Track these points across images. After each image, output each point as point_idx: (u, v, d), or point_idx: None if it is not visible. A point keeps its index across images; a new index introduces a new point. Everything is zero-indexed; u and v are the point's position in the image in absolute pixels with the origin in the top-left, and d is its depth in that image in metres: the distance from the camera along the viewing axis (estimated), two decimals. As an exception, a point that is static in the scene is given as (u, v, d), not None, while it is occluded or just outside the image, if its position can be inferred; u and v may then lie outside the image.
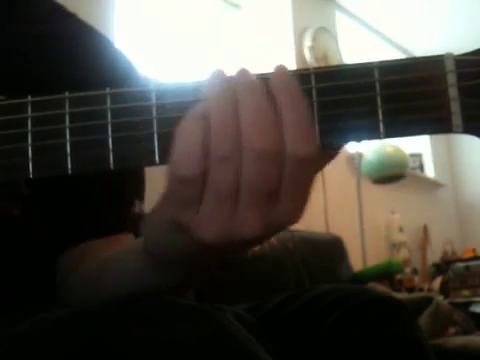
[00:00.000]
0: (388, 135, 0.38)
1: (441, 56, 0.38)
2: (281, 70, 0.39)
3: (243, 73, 0.40)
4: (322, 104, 0.39)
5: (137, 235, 0.66)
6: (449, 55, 0.38)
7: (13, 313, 0.46)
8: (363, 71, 0.39)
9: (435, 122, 0.38)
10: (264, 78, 0.39)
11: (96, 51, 0.68)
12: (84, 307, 0.43)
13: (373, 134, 0.39)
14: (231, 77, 0.39)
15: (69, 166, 0.40)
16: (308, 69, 0.40)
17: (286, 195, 0.38)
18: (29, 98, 0.41)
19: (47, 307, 0.46)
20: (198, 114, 0.38)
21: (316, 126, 0.39)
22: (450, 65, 0.38)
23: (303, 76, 0.39)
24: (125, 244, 0.59)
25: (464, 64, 0.38)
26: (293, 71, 0.40)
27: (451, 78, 0.38)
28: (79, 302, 0.57)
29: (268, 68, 0.41)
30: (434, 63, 0.38)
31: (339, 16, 3.50)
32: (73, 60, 0.65)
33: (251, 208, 0.38)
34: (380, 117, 0.38)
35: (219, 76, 0.39)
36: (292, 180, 0.38)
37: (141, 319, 0.39)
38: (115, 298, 0.49)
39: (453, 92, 0.38)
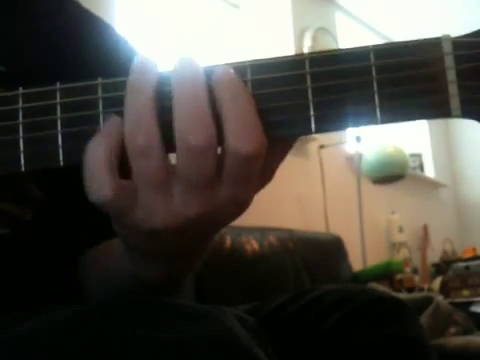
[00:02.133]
0: (385, 121, 0.37)
1: (438, 38, 0.37)
2: (223, 66, 0.39)
3: (185, 62, 0.39)
4: (316, 90, 0.38)
5: None
6: (446, 37, 0.37)
7: (15, 314, 0.46)
8: (358, 55, 0.38)
9: (433, 106, 0.37)
10: (208, 71, 0.38)
11: (105, 44, 0.68)
12: (85, 307, 0.43)
13: (369, 120, 0.37)
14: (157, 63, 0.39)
15: (61, 158, 0.40)
16: (303, 54, 0.38)
17: (227, 186, 0.38)
18: (20, 90, 0.41)
19: (49, 307, 0.46)
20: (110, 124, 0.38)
21: (311, 112, 0.38)
22: (448, 47, 0.37)
23: (297, 61, 0.38)
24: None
25: (462, 46, 0.37)
26: (287, 56, 0.39)
27: (449, 60, 0.37)
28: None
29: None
30: (431, 45, 0.37)
31: (339, 16, 3.50)
32: (86, 56, 0.64)
33: (188, 192, 0.38)
34: (377, 102, 0.37)
35: (145, 61, 0.39)
36: (233, 175, 0.38)
37: (144, 319, 0.39)
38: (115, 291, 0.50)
39: (451, 75, 0.37)
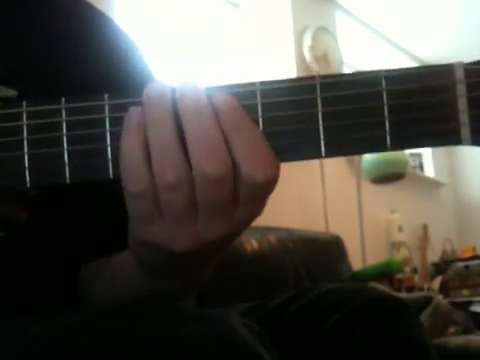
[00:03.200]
0: (394, 147, 0.37)
1: (451, 65, 0.37)
2: (223, 95, 0.38)
3: (187, 88, 0.39)
4: (327, 114, 0.38)
5: None
6: (459, 64, 0.37)
7: (21, 318, 0.46)
8: (370, 80, 0.38)
9: (444, 134, 0.37)
10: (209, 96, 0.38)
11: (106, 38, 0.68)
12: (91, 310, 0.43)
13: (379, 146, 0.37)
14: (173, 91, 0.39)
15: (67, 175, 0.40)
16: (314, 78, 0.38)
17: (245, 208, 0.39)
18: (24, 107, 0.41)
19: (55, 311, 0.46)
20: (135, 128, 0.38)
21: (321, 136, 0.38)
22: (460, 74, 0.37)
23: (308, 86, 0.38)
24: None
25: (474, 73, 0.37)
26: (297, 79, 0.39)
27: (460, 88, 0.37)
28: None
29: (268, 68, 0.40)
30: (443, 72, 0.37)
31: (339, 16, 3.50)
32: (99, 56, 0.65)
33: (210, 219, 0.39)
34: (387, 128, 0.37)
35: (159, 91, 0.39)
36: (250, 199, 0.39)
37: (150, 321, 0.39)
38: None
39: (462, 103, 0.36)
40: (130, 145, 0.38)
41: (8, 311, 0.51)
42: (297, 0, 3.15)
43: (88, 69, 0.63)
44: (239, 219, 0.40)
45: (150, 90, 0.38)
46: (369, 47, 3.74)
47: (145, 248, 0.42)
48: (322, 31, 3.19)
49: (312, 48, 3.08)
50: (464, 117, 0.36)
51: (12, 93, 0.49)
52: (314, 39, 3.10)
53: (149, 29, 2.47)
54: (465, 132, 0.36)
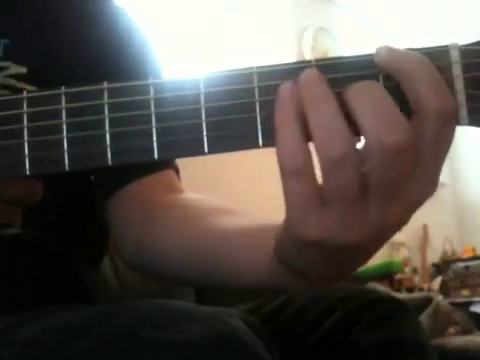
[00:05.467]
0: None
1: (446, 46, 0.38)
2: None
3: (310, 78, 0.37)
4: None
5: (177, 171, 0.67)
6: (454, 45, 0.37)
7: (22, 315, 0.46)
8: (364, 63, 0.38)
9: None
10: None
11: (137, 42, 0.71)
12: (92, 308, 0.43)
13: None
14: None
15: (66, 162, 0.40)
16: (310, 61, 0.38)
17: (418, 179, 0.36)
18: (25, 94, 0.41)
19: (56, 308, 0.46)
20: (290, 102, 0.36)
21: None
22: (455, 55, 0.37)
23: (302, 68, 0.38)
24: (232, 224, 0.53)
25: (470, 54, 0.37)
26: (293, 63, 0.39)
27: (456, 69, 0.37)
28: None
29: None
30: (439, 53, 0.37)
31: (339, 16, 3.50)
32: (99, 36, 0.66)
33: (385, 200, 0.35)
34: None
35: (316, 73, 0.36)
36: (424, 171, 0.36)
37: (149, 320, 0.39)
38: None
39: (459, 83, 0.37)
40: (286, 119, 0.35)
41: (15, 308, 0.51)
42: (297, 0, 3.16)
43: (85, 46, 0.64)
44: (415, 197, 0.36)
45: (309, 73, 0.36)
46: (369, 47, 3.74)
47: (302, 249, 0.38)
48: (322, 31, 3.19)
49: (312, 48, 3.09)
50: (461, 97, 0.36)
51: (22, 70, 0.50)
52: (314, 39, 3.10)
53: (149, 29, 2.47)
54: (462, 111, 0.36)
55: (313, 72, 0.36)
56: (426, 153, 0.35)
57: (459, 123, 0.37)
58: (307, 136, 0.35)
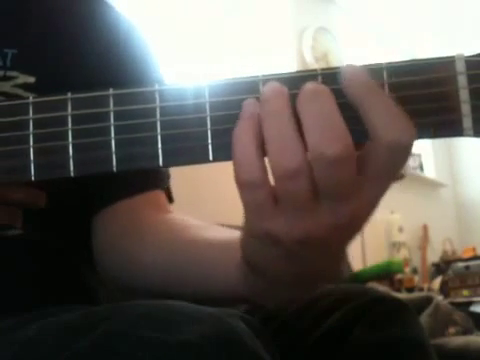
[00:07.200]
0: None
1: (452, 57, 0.37)
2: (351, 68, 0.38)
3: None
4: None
5: (168, 194, 0.68)
6: (460, 56, 0.37)
7: (21, 316, 0.46)
8: (370, 73, 0.38)
9: (446, 125, 0.37)
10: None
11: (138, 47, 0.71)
12: (93, 309, 0.43)
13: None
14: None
15: (71, 168, 0.40)
16: (315, 70, 0.39)
17: (369, 184, 0.38)
18: (30, 99, 0.41)
19: (56, 309, 0.46)
20: (249, 117, 0.38)
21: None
22: (461, 66, 0.37)
23: (307, 77, 0.38)
24: (212, 236, 0.57)
25: (475, 65, 0.37)
26: (297, 72, 0.39)
27: (462, 80, 0.37)
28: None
29: (268, 68, 0.40)
30: (444, 64, 0.37)
31: (339, 16, 3.50)
32: (99, 41, 0.67)
33: (335, 203, 0.38)
34: None
35: (276, 88, 0.38)
36: (380, 168, 0.37)
37: (149, 320, 0.39)
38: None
39: (464, 94, 0.37)
40: (243, 134, 0.38)
41: (17, 308, 0.51)
42: (297, 0, 3.16)
43: (88, 54, 0.64)
44: (364, 201, 0.38)
45: (268, 88, 0.38)
46: (369, 47, 3.75)
47: (261, 241, 0.41)
48: (322, 31, 3.19)
49: (312, 48, 3.09)
50: (466, 108, 0.37)
51: (30, 80, 0.50)
52: (314, 39, 3.11)
53: (149, 29, 2.47)
54: (467, 122, 0.37)
55: (273, 86, 0.38)
56: (375, 173, 0.38)
57: (463, 135, 0.37)
58: (263, 150, 0.38)
